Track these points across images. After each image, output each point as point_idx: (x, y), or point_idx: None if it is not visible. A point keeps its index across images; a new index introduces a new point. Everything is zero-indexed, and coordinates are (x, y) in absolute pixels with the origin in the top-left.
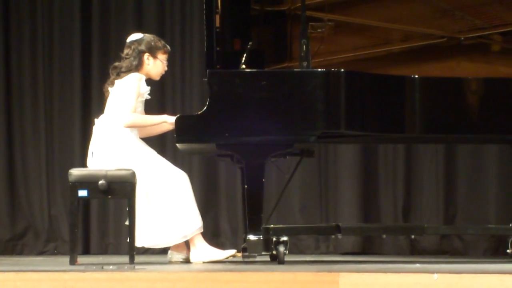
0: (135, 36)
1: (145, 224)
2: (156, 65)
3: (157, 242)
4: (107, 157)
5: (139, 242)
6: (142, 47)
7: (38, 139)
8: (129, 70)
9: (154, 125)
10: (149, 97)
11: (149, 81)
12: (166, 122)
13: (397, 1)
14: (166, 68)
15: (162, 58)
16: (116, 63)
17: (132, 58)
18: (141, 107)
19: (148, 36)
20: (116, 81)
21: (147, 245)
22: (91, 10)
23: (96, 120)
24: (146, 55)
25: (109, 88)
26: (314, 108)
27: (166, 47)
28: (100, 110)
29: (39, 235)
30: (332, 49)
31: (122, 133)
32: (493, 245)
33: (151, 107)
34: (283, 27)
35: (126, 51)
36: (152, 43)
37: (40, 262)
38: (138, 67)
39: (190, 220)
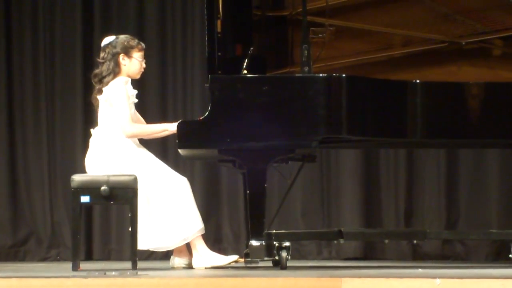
0: (108, 39)
1: (146, 227)
2: (132, 64)
3: (158, 245)
4: (108, 166)
5: (141, 245)
6: (117, 49)
7: (40, 145)
8: (109, 74)
9: (155, 133)
10: (136, 100)
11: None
12: (167, 130)
13: (398, 6)
14: (144, 66)
15: (137, 56)
16: (96, 70)
17: (108, 62)
18: (132, 109)
19: (121, 37)
20: (104, 89)
21: (149, 248)
22: (92, 16)
23: (92, 131)
24: (121, 56)
25: (98, 97)
26: (316, 113)
27: (140, 44)
28: None
29: (41, 241)
30: (333, 54)
31: (120, 140)
32: (495, 250)
33: (153, 113)
34: (284, 32)
35: (101, 54)
36: (126, 43)
37: (43, 269)
38: (116, 70)
39: (191, 223)
